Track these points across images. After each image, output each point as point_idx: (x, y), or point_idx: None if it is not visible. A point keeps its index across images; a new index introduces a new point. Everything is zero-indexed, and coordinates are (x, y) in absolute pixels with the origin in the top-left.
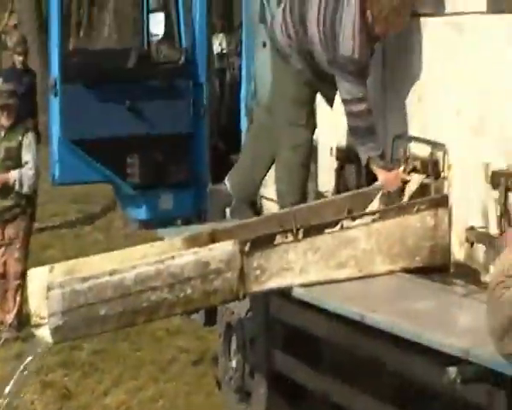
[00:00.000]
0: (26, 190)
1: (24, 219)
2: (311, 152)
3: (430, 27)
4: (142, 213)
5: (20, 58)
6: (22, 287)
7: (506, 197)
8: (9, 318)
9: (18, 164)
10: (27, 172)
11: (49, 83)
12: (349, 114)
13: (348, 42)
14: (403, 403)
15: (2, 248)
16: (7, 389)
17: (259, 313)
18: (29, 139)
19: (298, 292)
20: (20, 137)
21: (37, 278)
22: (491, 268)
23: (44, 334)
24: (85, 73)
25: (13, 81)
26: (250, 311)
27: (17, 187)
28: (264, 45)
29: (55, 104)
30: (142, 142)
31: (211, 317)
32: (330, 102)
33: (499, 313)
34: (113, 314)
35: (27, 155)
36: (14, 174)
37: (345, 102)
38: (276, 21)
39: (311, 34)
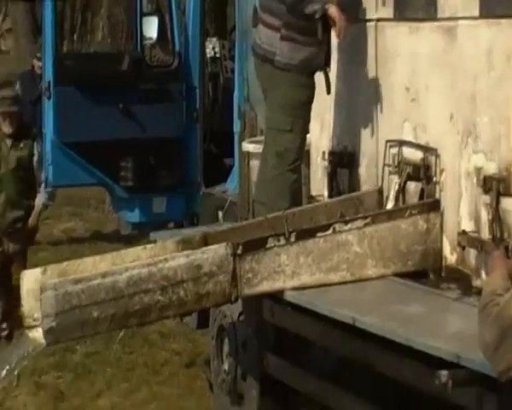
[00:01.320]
0: (45, 200)
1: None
2: (298, 157)
3: (421, 32)
4: (134, 216)
5: (40, 63)
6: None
7: (497, 202)
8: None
9: (28, 174)
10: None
11: (43, 85)
12: None
13: None
14: (393, 406)
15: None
16: None
17: (252, 316)
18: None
19: (290, 295)
20: (30, 146)
21: (31, 279)
22: (483, 273)
23: (37, 336)
24: (79, 76)
25: (29, 85)
26: (242, 314)
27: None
28: None
29: (48, 107)
30: (136, 145)
31: (203, 320)
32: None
33: (491, 330)
34: (106, 316)
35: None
36: (40, 200)
37: None
38: (259, 27)
39: None
